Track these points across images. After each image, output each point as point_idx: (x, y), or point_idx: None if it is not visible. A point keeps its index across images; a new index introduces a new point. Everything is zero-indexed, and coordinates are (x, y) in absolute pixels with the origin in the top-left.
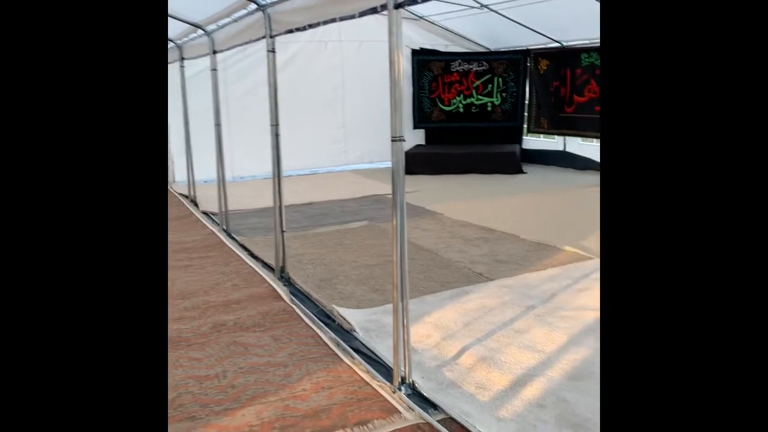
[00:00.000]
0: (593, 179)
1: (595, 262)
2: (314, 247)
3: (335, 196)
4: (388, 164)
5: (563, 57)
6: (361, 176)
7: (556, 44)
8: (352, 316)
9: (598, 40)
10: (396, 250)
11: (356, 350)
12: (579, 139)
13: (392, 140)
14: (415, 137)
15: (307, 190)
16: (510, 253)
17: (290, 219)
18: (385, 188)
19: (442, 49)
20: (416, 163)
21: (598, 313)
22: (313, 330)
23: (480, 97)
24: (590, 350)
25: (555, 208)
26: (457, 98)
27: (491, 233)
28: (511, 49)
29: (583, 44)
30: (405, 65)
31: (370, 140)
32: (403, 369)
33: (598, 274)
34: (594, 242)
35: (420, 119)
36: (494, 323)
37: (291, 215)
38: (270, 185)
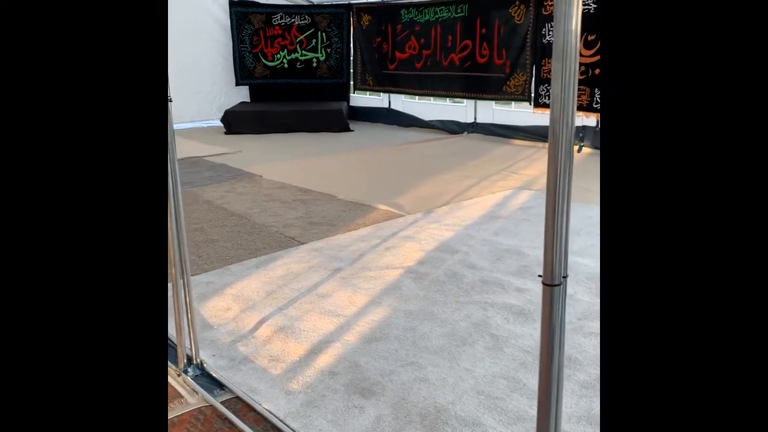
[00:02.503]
0: (415, 135)
1: (406, 219)
2: None
3: None
4: (212, 123)
5: (384, 12)
6: (180, 137)
7: None
8: None
9: None
10: (171, 224)
11: None
12: (403, 96)
13: None
14: (239, 94)
15: None
16: (325, 214)
17: None
18: (203, 149)
19: (262, 1)
20: (239, 121)
21: (400, 272)
22: None
23: (305, 52)
24: (389, 310)
25: (375, 166)
26: (281, 53)
27: (309, 194)
28: (334, 3)
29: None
30: (223, 17)
31: (188, 99)
32: (189, 349)
33: (405, 232)
34: (408, 199)
35: (242, 75)
36: (298, 289)
37: None
38: None
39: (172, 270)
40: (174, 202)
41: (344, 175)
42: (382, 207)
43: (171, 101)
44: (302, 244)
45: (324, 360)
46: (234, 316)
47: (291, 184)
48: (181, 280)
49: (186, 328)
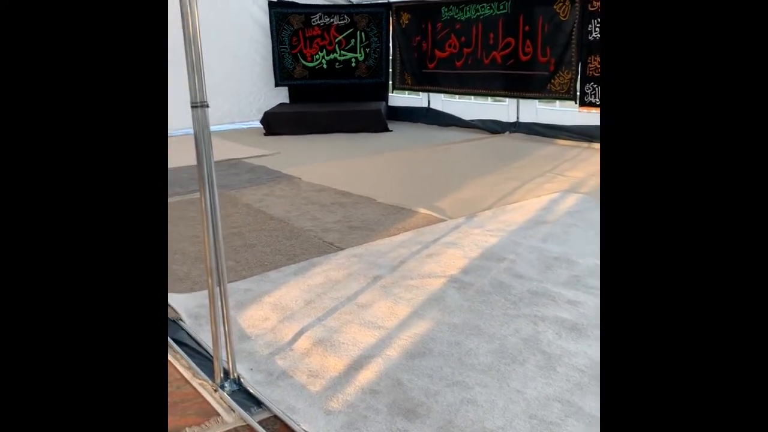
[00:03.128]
0: (455, 135)
1: (447, 224)
2: None
3: (188, 161)
4: (252, 124)
5: (424, 10)
6: (220, 138)
7: None
8: (181, 302)
9: None
10: (208, 231)
11: (180, 342)
12: (442, 96)
13: (192, 107)
14: (278, 96)
15: None
16: (364, 218)
17: None
18: (243, 151)
19: (301, 1)
20: (279, 123)
21: (443, 281)
22: None
23: (343, 52)
24: (432, 322)
25: (415, 168)
26: (320, 53)
27: (348, 197)
28: (372, 2)
29: None
30: (262, 18)
31: (229, 100)
32: (226, 362)
33: (448, 238)
34: (449, 203)
35: (282, 76)
36: (338, 299)
37: None
38: None
39: (209, 279)
40: (211, 208)
41: (383, 177)
42: (423, 211)
43: (207, 106)
44: (341, 249)
45: (365, 377)
46: (272, 326)
47: (330, 187)
48: (218, 289)
49: (223, 339)
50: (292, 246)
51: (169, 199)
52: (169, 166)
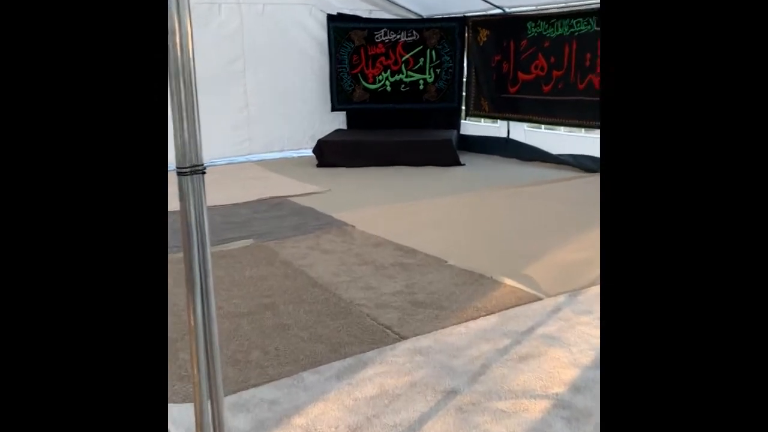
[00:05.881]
0: (541, 173)
1: (543, 306)
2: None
3: (224, 199)
4: (303, 153)
5: (506, 26)
6: (265, 169)
7: (498, 10)
8: (181, 415)
9: (547, 6)
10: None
11: None
12: (525, 125)
13: (179, 173)
14: (334, 121)
15: None
16: (432, 288)
17: None
18: (290, 187)
19: (364, 14)
20: (333, 152)
21: (545, 405)
22: None
23: (410, 73)
24: None
25: (494, 216)
26: (384, 74)
27: (412, 256)
28: (445, 16)
29: (530, 11)
30: (319, 33)
31: (278, 125)
32: None
33: (546, 328)
34: (543, 270)
35: (339, 99)
36: (394, 427)
37: None
38: None
39: (195, 394)
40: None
41: (455, 229)
42: (509, 282)
43: (203, 172)
44: (401, 340)
45: None
46: None
47: (389, 240)
48: (207, 405)
49: None
50: (338, 330)
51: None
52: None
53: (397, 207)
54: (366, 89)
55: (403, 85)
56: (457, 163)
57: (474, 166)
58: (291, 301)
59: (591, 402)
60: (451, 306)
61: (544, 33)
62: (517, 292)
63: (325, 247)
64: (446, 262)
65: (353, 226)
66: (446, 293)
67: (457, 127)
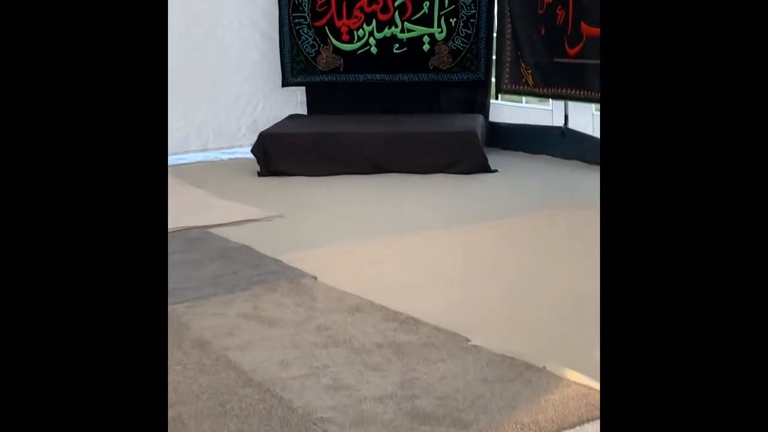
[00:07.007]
0: None
1: None
2: None
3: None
4: (238, 154)
5: None
6: (178, 180)
7: None
8: None
9: None
10: None
11: None
12: (593, 106)
13: None
14: (287, 103)
15: None
16: (445, 391)
17: None
18: (215, 211)
19: None
20: (285, 153)
21: None
22: None
23: (409, 25)
24: None
25: (548, 260)
26: (366, 27)
27: (412, 331)
28: None
29: None
30: None
31: (200, 109)
32: None
33: None
34: None
35: (296, 68)
36: None
37: None
38: None
39: None
40: None
41: (482, 283)
42: (574, 378)
43: None
44: None
45: None
46: None
47: (373, 302)
48: None
49: None
50: None
51: None
52: None
53: (387, 245)
54: (338, 51)
55: (397, 45)
56: (486, 169)
57: (511, 173)
58: (206, 413)
59: None
60: (478, 421)
61: None
62: (588, 397)
63: (269, 314)
64: (468, 341)
65: (315, 278)
66: (471, 397)
67: (485, 111)
